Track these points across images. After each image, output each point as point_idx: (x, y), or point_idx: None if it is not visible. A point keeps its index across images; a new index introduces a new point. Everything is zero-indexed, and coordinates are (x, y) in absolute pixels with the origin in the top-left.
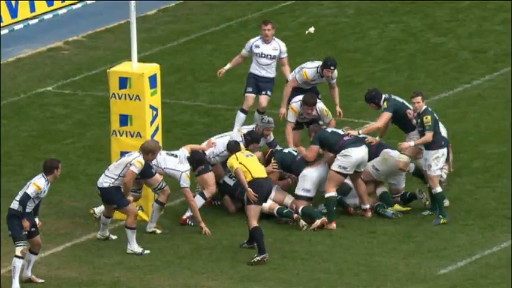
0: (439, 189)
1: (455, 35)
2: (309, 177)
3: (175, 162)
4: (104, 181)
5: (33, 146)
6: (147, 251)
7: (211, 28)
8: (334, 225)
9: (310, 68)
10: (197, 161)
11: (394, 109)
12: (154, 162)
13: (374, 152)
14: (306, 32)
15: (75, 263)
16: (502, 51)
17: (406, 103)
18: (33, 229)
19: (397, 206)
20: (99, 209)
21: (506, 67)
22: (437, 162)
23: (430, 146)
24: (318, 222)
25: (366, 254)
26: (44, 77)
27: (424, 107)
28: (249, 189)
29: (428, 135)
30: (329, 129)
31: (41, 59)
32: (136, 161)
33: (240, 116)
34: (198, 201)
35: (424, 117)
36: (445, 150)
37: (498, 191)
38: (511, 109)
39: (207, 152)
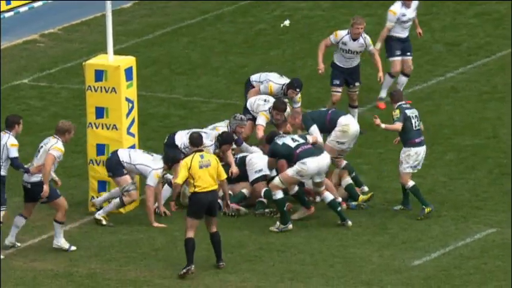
0: (411, 183)
1: (429, 28)
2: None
3: (148, 160)
4: (36, 175)
5: None
6: (73, 247)
7: (187, 21)
8: (291, 226)
9: (276, 84)
10: (172, 158)
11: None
12: (126, 159)
13: None
14: (281, 25)
15: (51, 255)
16: (475, 44)
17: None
18: None
19: (361, 197)
20: (100, 200)
21: (480, 60)
22: (408, 160)
23: (404, 143)
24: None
25: (341, 245)
26: (20, 69)
27: (398, 103)
28: (172, 203)
29: (397, 125)
30: (280, 141)
31: (16, 51)
32: (54, 147)
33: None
34: (166, 191)
35: (393, 111)
36: (418, 149)
37: (471, 183)
38: (484, 102)
39: (178, 143)
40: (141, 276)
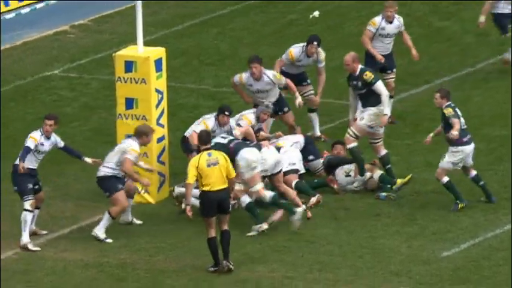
0: (445, 179)
1: (459, 19)
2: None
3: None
4: (101, 170)
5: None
6: (109, 240)
7: (217, 12)
8: (265, 225)
9: (295, 47)
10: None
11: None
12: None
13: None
14: (311, 16)
15: (81, 245)
16: None
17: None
18: (36, 186)
19: (399, 181)
20: (179, 190)
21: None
22: (453, 156)
23: (452, 141)
24: (313, 199)
25: (370, 236)
26: (51, 60)
27: (447, 103)
28: (188, 207)
29: (457, 121)
30: (213, 141)
31: (47, 42)
32: (130, 149)
33: None
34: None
35: (445, 110)
36: (466, 148)
37: (500, 174)
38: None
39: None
40: (170, 267)
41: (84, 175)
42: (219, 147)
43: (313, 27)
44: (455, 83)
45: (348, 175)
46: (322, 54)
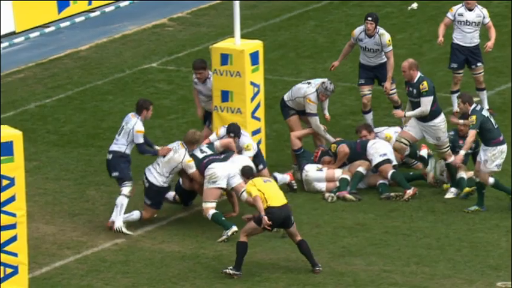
0: (491, 180)
1: None
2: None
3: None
4: (157, 178)
5: None
6: (129, 232)
7: (314, 4)
8: (234, 228)
9: (358, 27)
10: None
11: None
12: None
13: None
14: (409, 8)
15: (178, 237)
16: None
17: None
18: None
19: (465, 189)
20: (282, 177)
21: None
22: (494, 159)
23: (488, 142)
24: (409, 192)
25: (468, 230)
26: (149, 53)
27: (472, 107)
28: (265, 217)
29: (472, 133)
30: (193, 152)
31: (145, 35)
32: (187, 161)
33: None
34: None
35: (470, 117)
36: (503, 147)
37: None
38: None
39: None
40: (266, 259)
41: None
42: (195, 160)
43: (410, 19)
44: None
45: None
46: (385, 37)
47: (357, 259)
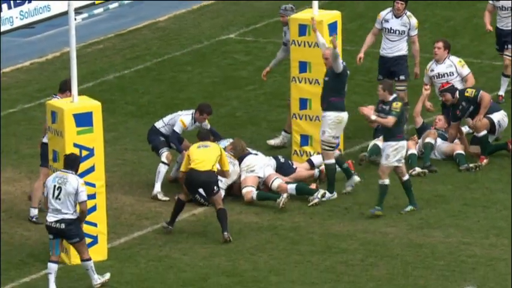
0: (387, 181)
1: None
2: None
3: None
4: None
5: (215, 93)
6: (166, 198)
7: None
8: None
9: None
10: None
11: None
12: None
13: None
14: None
15: (256, 209)
16: None
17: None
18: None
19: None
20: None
21: None
22: (395, 154)
23: (392, 136)
24: (485, 161)
25: None
26: (227, 24)
27: (393, 96)
28: (182, 177)
29: (392, 120)
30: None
31: (223, 6)
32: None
33: None
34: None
35: (395, 103)
36: (404, 142)
37: None
38: None
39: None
40: (343, 231)
41: (259, 138)
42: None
43: None
44: None
45: None
46: (414, 19)
47: (436, 231)
